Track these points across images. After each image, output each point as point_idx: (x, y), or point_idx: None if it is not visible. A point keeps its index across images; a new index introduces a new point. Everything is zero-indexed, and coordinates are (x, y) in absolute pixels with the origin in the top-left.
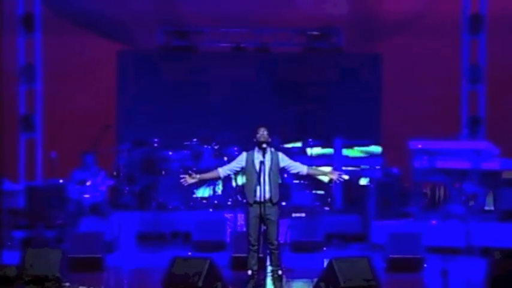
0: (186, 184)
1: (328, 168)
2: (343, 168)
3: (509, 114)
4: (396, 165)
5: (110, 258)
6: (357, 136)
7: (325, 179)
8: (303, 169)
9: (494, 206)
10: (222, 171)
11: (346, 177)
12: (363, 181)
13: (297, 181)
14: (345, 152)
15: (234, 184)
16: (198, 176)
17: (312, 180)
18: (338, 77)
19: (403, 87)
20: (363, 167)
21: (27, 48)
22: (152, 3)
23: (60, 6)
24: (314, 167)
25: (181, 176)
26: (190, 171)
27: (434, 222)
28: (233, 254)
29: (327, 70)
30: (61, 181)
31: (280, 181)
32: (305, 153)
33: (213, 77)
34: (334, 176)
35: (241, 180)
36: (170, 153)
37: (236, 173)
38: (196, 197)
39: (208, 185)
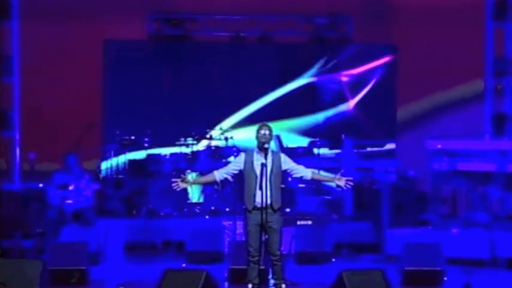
0: (178, 189)
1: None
2: (354, 168)
3: None
4: (413, 168)
5: (95, 270)
6: (369, 135)
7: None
8: (307, 174)
9: None
10: (219, 174)
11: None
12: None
13: (302, 185)
14: None
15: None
16: (191, 179)
17: (319, 184)
18: (348, 69)
19: (420, 81)
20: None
21: (2, 37)
22: None
23: None
24: (320, 172)
25: (173, 180)
26: (183, 175)
27: (455, 230)
28: (232, 266)
29: (335, 61)
30: (41, 185)
31: (282, 185)
32: (312, 153)
33: (209, 70)
34: (342, 183)
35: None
36: (162, 154)
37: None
38: (191, 203)
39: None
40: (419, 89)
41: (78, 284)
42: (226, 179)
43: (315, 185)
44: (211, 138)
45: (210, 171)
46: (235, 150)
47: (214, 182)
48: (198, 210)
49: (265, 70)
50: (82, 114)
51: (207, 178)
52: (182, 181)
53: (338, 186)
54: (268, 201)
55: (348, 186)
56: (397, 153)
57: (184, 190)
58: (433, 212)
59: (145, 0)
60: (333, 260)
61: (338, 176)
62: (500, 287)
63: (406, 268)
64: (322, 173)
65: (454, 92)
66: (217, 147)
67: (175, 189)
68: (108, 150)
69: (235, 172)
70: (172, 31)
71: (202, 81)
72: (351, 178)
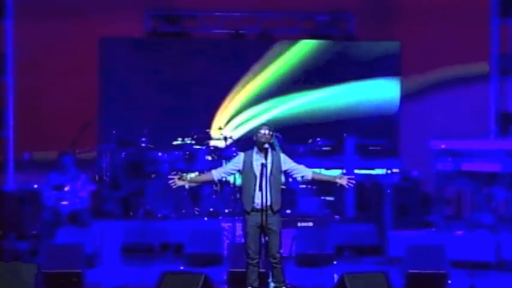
0: (174, 187)
1: (336, 172)
2: (355, 171)
3: None
4: (416, 168)
5: (91, 273)
6: (372, 135)
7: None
8: (308, 173)
9: None
10: (216, 173)
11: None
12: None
13: (303, 186)
14: None
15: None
16: (188, 178)
17: (320, 185)
18: (350, 68)
19: (424, 79)
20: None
21: None
22: None
23: None
24: (321, 171)
25: (170, 177)
26: (180, 173)
27: (459, 232)
28: (231, 269)
29: (337, 59)
30: (35, 186)
31: (283, 186)
32: (313, 154)
33: (208, 68)
34: (344, 181)
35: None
36: (159, 154)
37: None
38: (189, 204)
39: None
40: (422, 87)
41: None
42: (225, 179)
43: (316, 186)
44: (210, 138)
45: (209, 171)
46: (234, 151)
47: (212, 181)
48: (196, 212)
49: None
50: (78, 113)
51: (204, 177)
52: (179, 179)
53: (340, 185)
54: (268, 203)
55: (350, 184)
56: (400, 152)
57: (182, 190)
58: (437, 213)
59: None
60: (335, 262)
61: (340, 175)
62: None
63: (409, 271)
64: (323, 172)
65: (459, 69)
66: (216, 147)
67: (172, 187)
68: (105, 151)
69: (234, 172)
70: (170, 28)
71: (201, 79)
72: (353, 176)
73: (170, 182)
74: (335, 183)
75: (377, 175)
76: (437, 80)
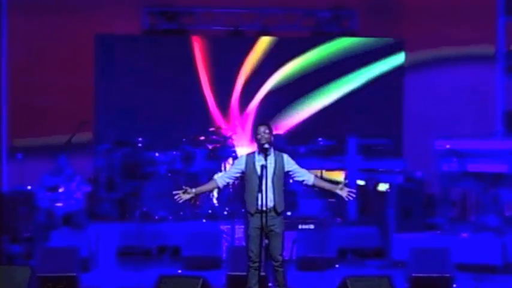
0: (181, 201)
1: (339, 179)
2: (358, 169)
3: None
4: (420, 169)
5: (87, 277)
6: (375, 135)
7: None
8: (309, 179)
9: None
10: (220, 180)
11: (361, 182)
12: (382, 187)
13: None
14: None
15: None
16: (194, 190)
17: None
18: (352, 66)
19: (428, 77)
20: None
21: None
22: None
23: None
24: (322, 177)
25: (175, 192)
26: (184, 187)
27: (465, 235)
28: (230, 272)
29: (339, 57)
30: (29, 187)
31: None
32: (314, 154)
33: (206, 66)
34: (344, 193)
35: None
36: (157, 154)
37: (236, 179)
38: (187, 206)
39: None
40: (426, 86)
41: None
42: (228, 183)
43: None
44: (209, 137)
45: (207, 172)
46: (233, 151)
47: (217, 188)
48: (195, 214)
49: (264, 66)
50: (73, 112)
51: (209, 186)
52: (184, 193)
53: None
54: (271, 204)
55: (349, 197)
56: (403, 153)
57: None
58: (441, 215)
59: None
60: (337, 266)
61: (341, 185)
62: None
63: (413, 274)
64: (325, 178)
65: (463, 49)
66: (215, 147)
67: (173, 193)
68: (101, 151)
69: (238, 175)
70: (168, 25)
71: (199, 77)
72: (354, 190)
73: (176, 197)
74: (335, 192)
75: (380, 176)
76: (442, 78)
